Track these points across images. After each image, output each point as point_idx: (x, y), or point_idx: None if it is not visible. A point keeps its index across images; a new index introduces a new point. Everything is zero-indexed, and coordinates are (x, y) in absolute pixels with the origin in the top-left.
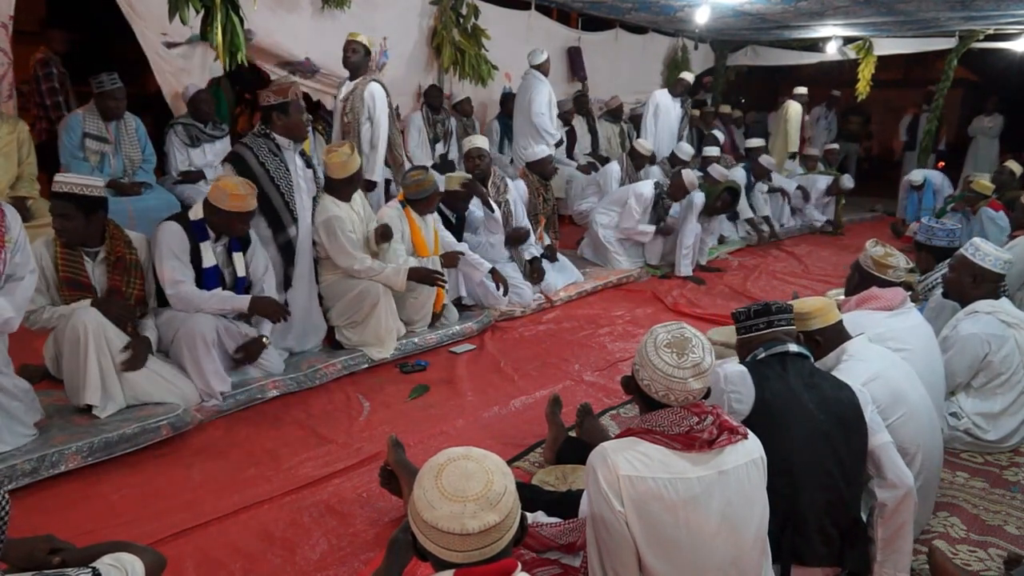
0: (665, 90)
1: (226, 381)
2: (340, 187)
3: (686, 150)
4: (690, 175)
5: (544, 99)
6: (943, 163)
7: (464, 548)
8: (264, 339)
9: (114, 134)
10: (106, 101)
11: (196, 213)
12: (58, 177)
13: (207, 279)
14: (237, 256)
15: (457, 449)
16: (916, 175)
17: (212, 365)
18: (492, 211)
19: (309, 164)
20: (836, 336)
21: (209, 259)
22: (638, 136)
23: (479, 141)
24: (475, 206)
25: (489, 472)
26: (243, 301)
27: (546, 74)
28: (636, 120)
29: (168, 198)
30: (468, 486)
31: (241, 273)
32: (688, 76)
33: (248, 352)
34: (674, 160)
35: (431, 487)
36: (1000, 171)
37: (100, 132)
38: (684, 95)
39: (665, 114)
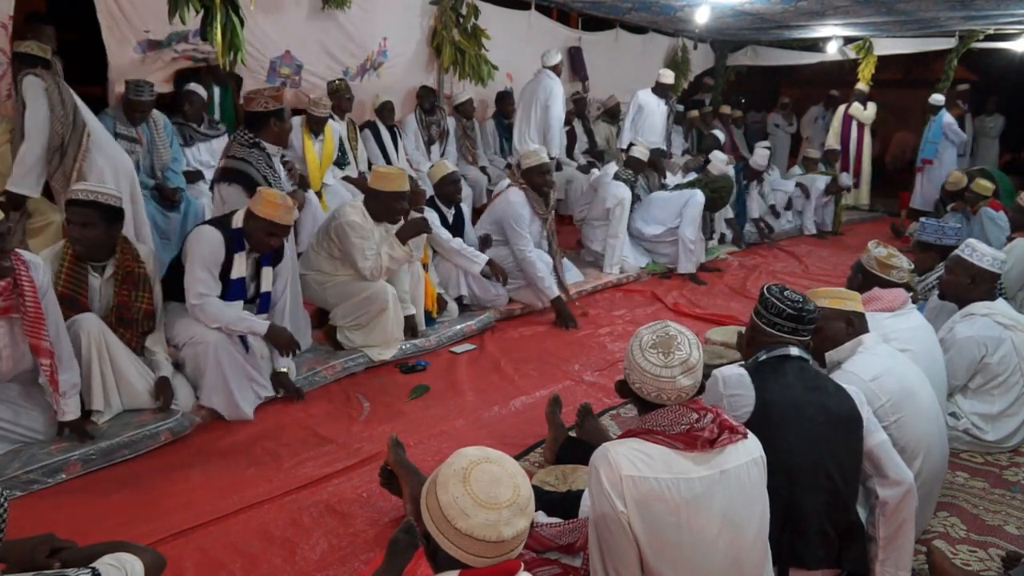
0: (648, 89)
1: (247, 404)
2: (371, 200)
3: (721, 158)
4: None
5: (562, 103)
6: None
7: (495, 554)
8: (285, 371)
9: (145, 136)
10: (131, 110)
11: (239, 220)
12: (78, 185)
13: (232, 290)
14: (266, 270)
15: (473, 451)
16: (935, 97)
17: (240, 388)
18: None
19: (285, 165)
20: (862, 325)
21: (239, 271)
22: (618, 136)
23: (450, 165)
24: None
25: (514, 476)
26: (262, 326)
27: (559, 76)
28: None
29: (196, 205)
30: (499, 492)
31: (266, 288)
32: (667, 75)
33: (283, 386)
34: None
35: (462, 494)
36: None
37: (130, 133)
38: (668, 94)
39: (649, 114)
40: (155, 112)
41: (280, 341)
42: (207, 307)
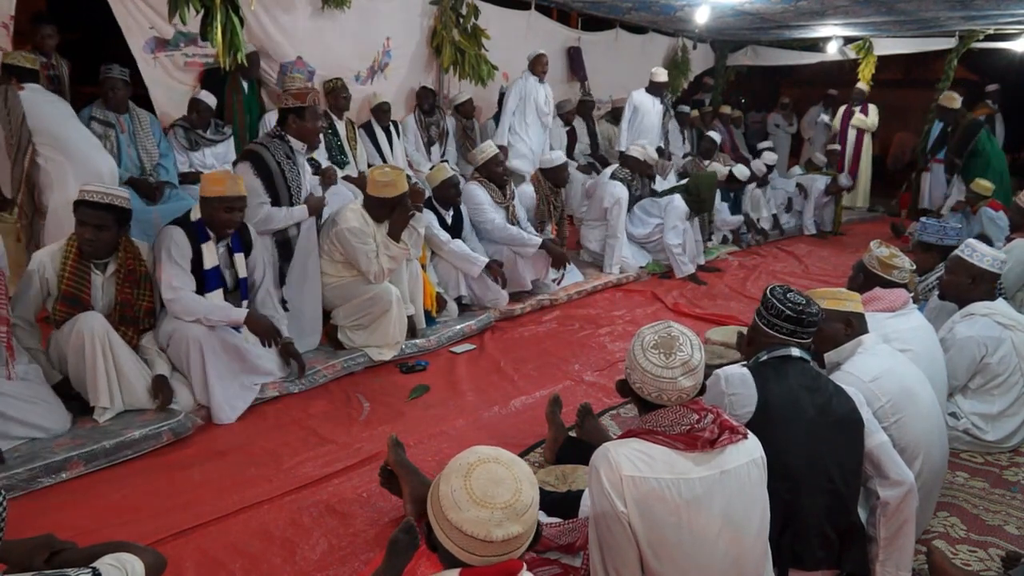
0: (642, 90)
1: (239, 402)
2: (373, 205)
3: (743, 172)
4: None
5: (511, 98)
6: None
7: (483, 553)
8: (290, 339)
9: (127, 125)
10: (106, 88)
11: (196, 213)
12: (90, 186)
13: (209, 280)
14: (239, 257)
15: (486, 450)
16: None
17: (221, 385)
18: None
19: (317, 172)
20: (861, 326)
21: (211, 260)
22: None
23: (449, 169)
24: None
25: (519, 481)
26: (239, 315)
27: (536, 73)
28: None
29: (191, 204)
30: (497, 492)
31: (243, 274)
32: (660, 73)
33: (291, 355)
34: (731, 179)
35: (459, 487)
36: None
37: (106, 118)
38: (662, 93)
39: (645, 114)
40: (140, 110)
41: (258, 329)
42: (181, 300)
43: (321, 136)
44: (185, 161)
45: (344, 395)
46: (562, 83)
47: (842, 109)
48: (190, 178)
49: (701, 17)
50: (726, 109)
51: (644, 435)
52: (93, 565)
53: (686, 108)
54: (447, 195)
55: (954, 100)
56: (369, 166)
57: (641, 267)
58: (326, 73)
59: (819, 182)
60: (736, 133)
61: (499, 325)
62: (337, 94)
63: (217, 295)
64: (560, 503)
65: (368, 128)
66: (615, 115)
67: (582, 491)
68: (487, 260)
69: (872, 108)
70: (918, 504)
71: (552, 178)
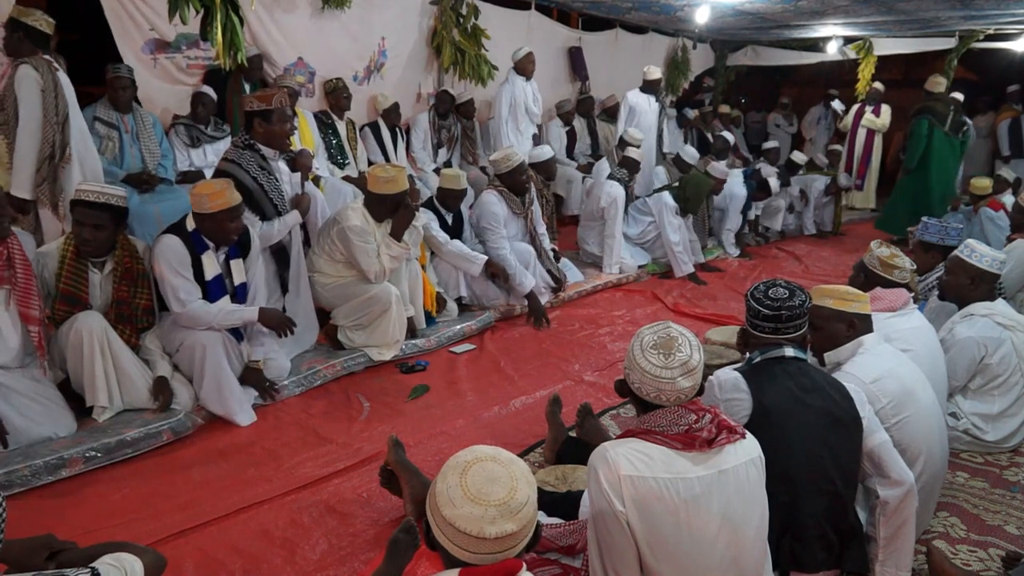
0: (636, 89)
1: (247, 407)
2: (373, 203)
3: (691, 153)
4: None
5: (503, 104)
6: None
7: (477, 550)
8: (258, 363)
9: (130, 124)
10: (116, 87)
11: (192, 223)
12: (86, 186)
13: (212, 290)
14: (236, 263)
15: (485, 448)
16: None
17: (232, 390)
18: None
19: (293, 168)
20: (865, 327)
21: (212, 270)
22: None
23: (463, 181)
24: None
25: (515, 479)
26: (252, 313)
27: (524, 72)
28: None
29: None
30: (492, 490)
31: (240, 280)
32: (653, 71)
33: (253, 383)
34: (680, 163)
35: (455, 484)
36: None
37: (110, 119)
38: (657, 91)
39: (641, 113)
40: (143, 110)
41: (272, 322)
42: (192, 311)
43: (319, 136)
44: (185, 159)
45: (344, 395)
46: (563, 83)
47: (854, 108)
48: (191, 176)
49: (701, 17)
50: (725, 109)
51: (642, 435)
52: (92, 565)
53: (691, 112)
54: (449, 203)
55: (938, 84)
56: (370, 163)
57: (641, 267)
58: (326, 73)
59: (819, 182)
60: (736, 133)
61: (499, 325)
62: (338, 94)
63: (221, 303)
64: (560, 503)
65: (374, 128)
66: (610, 113)
67: (582, 491)
68: (486, 259)
69: (885, 109)
70: (918, 504)
71: (544, 171)
